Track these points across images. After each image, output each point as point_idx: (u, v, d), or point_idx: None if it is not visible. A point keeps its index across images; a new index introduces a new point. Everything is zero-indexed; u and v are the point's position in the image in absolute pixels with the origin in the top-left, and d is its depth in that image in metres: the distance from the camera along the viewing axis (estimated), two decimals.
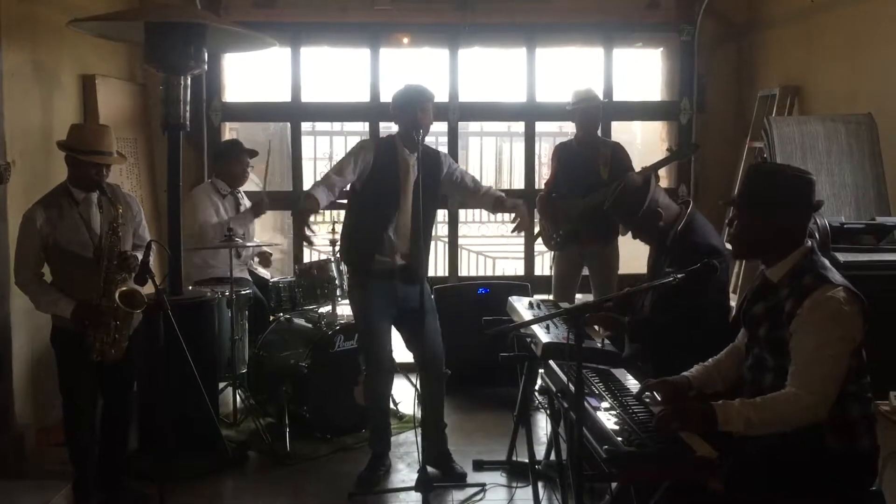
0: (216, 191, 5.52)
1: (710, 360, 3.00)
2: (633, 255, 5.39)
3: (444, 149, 6.32)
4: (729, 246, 4.01)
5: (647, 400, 2.86)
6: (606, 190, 5.10)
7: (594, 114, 5.41)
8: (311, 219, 4.40)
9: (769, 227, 2.71)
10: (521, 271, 6.89)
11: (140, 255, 3.82)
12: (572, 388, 2.66)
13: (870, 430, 2.67)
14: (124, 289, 3.78)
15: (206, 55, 4.53)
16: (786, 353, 2.61)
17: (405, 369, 5.36)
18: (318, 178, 4.35)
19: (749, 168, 2.80)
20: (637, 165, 5.47)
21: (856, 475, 2.65)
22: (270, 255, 5.98)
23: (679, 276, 2.96)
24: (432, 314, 4.34)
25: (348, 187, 4.32)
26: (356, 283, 4.43)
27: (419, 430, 4.23)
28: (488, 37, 6.58)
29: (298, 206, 4.24)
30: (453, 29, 6.36)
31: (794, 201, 2.70)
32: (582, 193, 5.27)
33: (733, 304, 5.30)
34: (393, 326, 4.41)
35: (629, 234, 3.96)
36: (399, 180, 4.22)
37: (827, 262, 2.74)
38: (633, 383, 3.12)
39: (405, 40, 6.53)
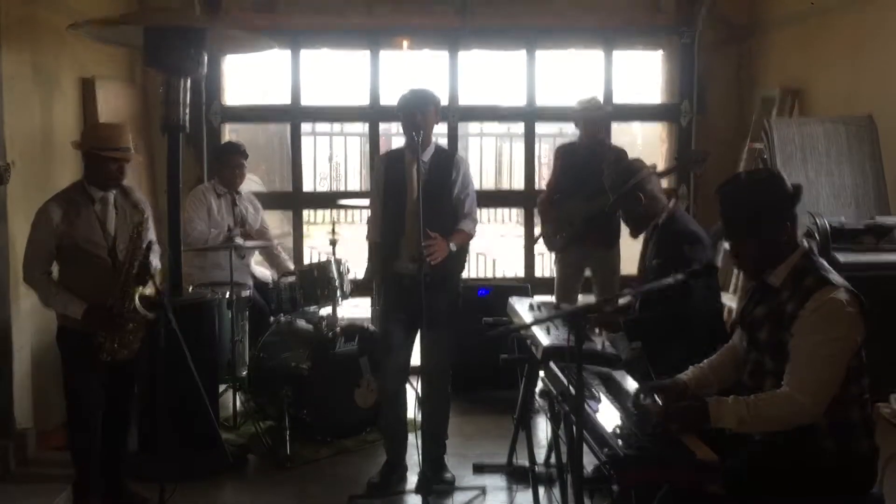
0: (214, 192, 5.56)
1: (704, 361, 3.00)
2: (635, 257, 5.39)
3: None
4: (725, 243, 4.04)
5: (645, 404, 2.86)
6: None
7: (599, 119, 5.42)
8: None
9: (761, 241, 2.72)
10: (521, 273, 6.88)
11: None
12: (573, 390, 2.66)
13: (869, 433, 2.67)
14: (146, 291, 3.78)
15: (205, 57, 4.53)
16: (786, 356, 2.62)
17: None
18: (368, 222, 4.48)
19: (716, 194, 2.81)
20: None
21: (855, 477, 2.65)
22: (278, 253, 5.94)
23: (679, 276, 2.97)
24: (442, 328, 4.22)
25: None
26: (379, 288, 4.46)
27: (419, 433, 4.22)
28: (488, 39, 6.57)
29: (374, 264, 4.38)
30: (453, 31, 6.35)
31: (769, 205, 2.70)
32: (585, 196, 5.26)
33: (727, 301, 5.33)
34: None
35: (630, 234, 3.99)
36: (405, 186, 4.22)
37: (826, 263, 2.75)
38: (633, 386, 3.11)
39: (405, 43, 6.53)
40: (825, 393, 2.54)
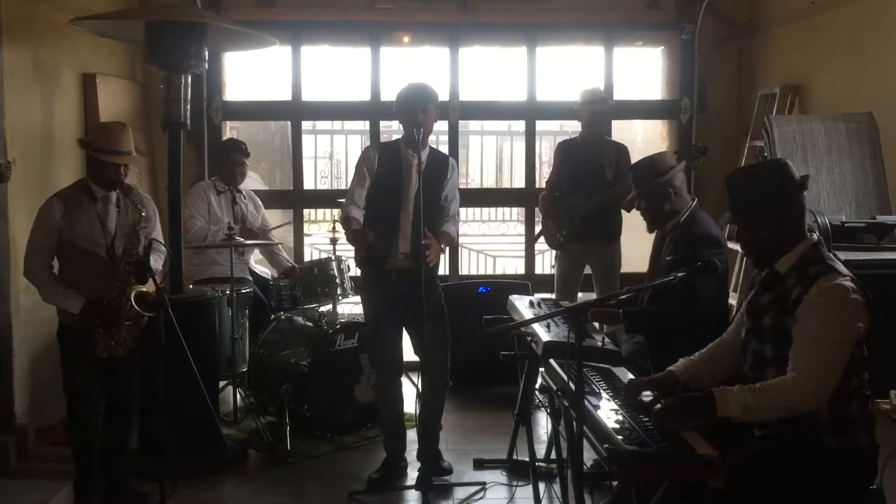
0: (215, 188, 5.56)
1: (695, 354, 3.01)
2: (635, 255, 5.39)
3: (444, 148, 6.34)
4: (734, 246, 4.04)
5: (641, 399, 2.87)
6: (611, 190, 5.16)
7: (602, 115, 5.43)
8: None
9: (768, 226, 2.74)
10: (521, 270, 6.89)
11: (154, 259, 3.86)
12: (573, 386, 2.67)
13: (869, 428, 2.68)
14: (142, 290, 3.78)
15: (206, 54, 4.53)
16: (787, 342, 2.63)
17: (406, 368, 5.36)
18: (345, 200, 4.35)
19: (725, 181, 2.85)
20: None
21: (856, 473, 2.65)
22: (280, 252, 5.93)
23: (679, 274, 2.98)
24: (437, 322, 4.24)
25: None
26: (366, 284, 4.43)
27: (418, 426, 4.23)
28: (489, 35, 6.59)
29: (347, 236, 4.27)
30: (454, 27, 6.36)
31: (776, 191, 2.73)
32: (586, 192, 5.28)
33: (732, 301, 5.34)
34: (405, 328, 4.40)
35: (647, 228, 3.99)
36: (402, 182, 4.21)
37: (833, 256, 2.77)
38: None
39: (406, 39, 6.54)
40: (829, 378, 2.55)
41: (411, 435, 4.57)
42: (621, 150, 5.41)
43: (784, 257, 2.74)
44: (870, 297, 2.63)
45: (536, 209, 5.68)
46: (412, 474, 4.35)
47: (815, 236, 2.79)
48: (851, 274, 2.67)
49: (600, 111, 5.38)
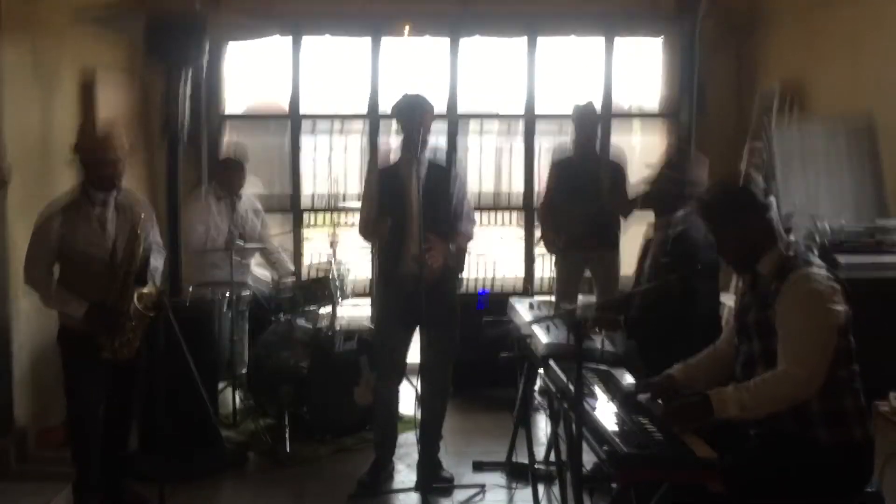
0: (214, 194, 5.57)
1: (691, 359, 3.05)
2: (635, 259, 5.39)
3: (443, 145, 6.35)
4: None
5: (639, 402, 2.88)
6: (611, 196, 5.19)
7: (590, 130, 5.45)
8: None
9: (740, 234, 2.83)
10: (521, 274, 6.88)
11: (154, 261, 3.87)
12: (572, 388, 2.67)
13: (862, 422, 2.70)
14: (144, 291, 3.78)
15: (207, 46, 4.51)
16: (772, 334, 2.68)
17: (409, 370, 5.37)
18: (361, 222, 4.44)
19: (696, 202, 3.03)
20: (635, 165, 5.53)
21: (852, 467, 2.67)
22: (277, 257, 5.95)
23: (672, 277, 3.01)
24: (445, 328, 4.26)
25: None
26: (378, 288, 4.48)
27: (419, 432, 4.23)
28: (489, 26, 6.58)
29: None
30: (454, 18, 6.36)
31: (742, 204, 2.83)
32: (584, 200, 5.29)
33: (729, 303, 5.35)
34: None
35: (633, 232, 4.03)
36: (404, 192, 4.21)
37: (811, 255, 2.84)
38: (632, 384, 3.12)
39: (406, 29, 6.53)
40: (820, 362, 2.59)
41: (403, 439, 4.59)
42: (616, 171, 5.42)
43: (764, 258, 2.81)
44: (847, 287, 2.69)
45: (535, 213, 5.69)
46: (411, 477, 4.35)
47: (793, 237, 2.88)
48: (826, 266, 2.76)
49: (585, 125, 5.40)
